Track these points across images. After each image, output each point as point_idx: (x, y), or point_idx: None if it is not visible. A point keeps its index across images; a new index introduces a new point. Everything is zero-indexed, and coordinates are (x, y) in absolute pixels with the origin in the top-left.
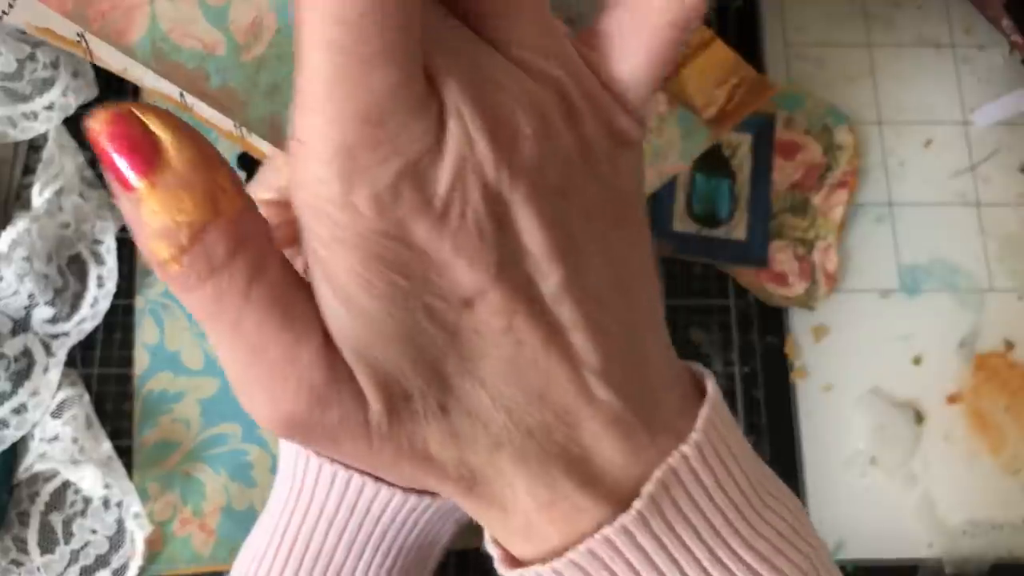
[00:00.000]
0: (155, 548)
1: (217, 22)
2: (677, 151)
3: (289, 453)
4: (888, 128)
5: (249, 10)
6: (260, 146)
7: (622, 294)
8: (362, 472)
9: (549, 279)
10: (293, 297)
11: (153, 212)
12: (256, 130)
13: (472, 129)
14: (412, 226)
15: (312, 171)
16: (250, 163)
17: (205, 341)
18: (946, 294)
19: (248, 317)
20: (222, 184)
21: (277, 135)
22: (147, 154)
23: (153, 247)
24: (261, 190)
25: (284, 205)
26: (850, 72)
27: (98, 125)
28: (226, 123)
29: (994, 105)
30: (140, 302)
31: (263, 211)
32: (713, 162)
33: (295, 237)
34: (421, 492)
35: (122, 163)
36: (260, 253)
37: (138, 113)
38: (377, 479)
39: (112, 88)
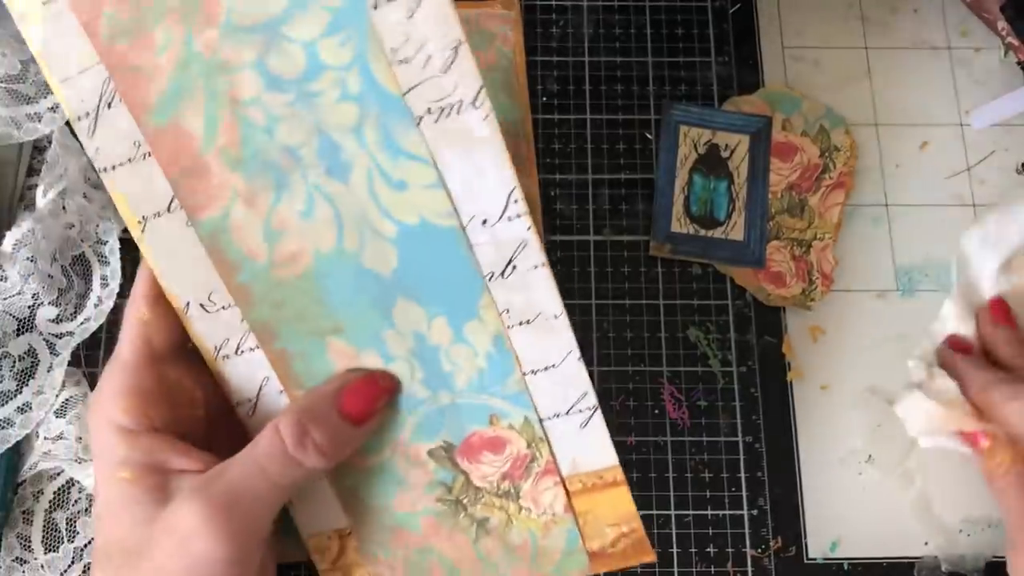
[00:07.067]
0: None
1: (269, 239)
2: (553, 562)
3: None
4: (884, 130)
5: (292, 242)
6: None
7: None
8: None
9: None
10: None
11: None
12: (255, 328)
13: None
14: None
15: None
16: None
17: None
18: (942, 295)
19: None
20: None
21: (266, 338)
22: None
23: None
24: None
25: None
26: (847, 75)
27: None
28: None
29: (990, 107)
30: None
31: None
32: (711, 163)
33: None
34: None
35: None
36: None
37: None
38: None
39: None
